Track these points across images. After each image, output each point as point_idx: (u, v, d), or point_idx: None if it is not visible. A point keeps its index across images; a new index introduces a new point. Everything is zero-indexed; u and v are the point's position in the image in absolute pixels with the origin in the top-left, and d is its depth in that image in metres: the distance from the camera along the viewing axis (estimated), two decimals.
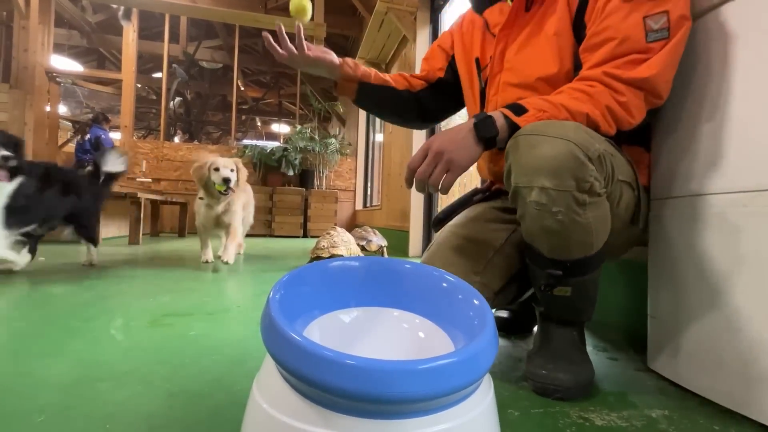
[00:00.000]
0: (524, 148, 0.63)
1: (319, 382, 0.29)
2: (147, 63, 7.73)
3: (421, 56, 3.11)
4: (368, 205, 5.66)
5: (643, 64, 0.66)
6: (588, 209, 0.63)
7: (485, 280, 0.80)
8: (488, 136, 0.67)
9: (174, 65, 6.32)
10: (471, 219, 0.90)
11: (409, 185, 0.70)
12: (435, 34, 3.11)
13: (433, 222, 1.01)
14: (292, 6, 0.94)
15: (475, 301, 0.40)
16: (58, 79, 4.74)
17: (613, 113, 0.67)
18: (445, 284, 0.44)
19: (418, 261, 0.65)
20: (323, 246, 2.18)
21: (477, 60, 0.91)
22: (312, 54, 0.90)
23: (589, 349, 0.95)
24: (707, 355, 0.69)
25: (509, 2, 0.85)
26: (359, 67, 0.97)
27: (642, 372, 0.83)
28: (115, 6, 4.74)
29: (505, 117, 0.68)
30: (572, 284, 0.70)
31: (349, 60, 0.96)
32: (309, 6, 0.94)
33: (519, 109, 0.68)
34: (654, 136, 0.84)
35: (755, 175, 0.62)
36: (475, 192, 0.99)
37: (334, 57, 0.94)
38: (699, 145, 0.72)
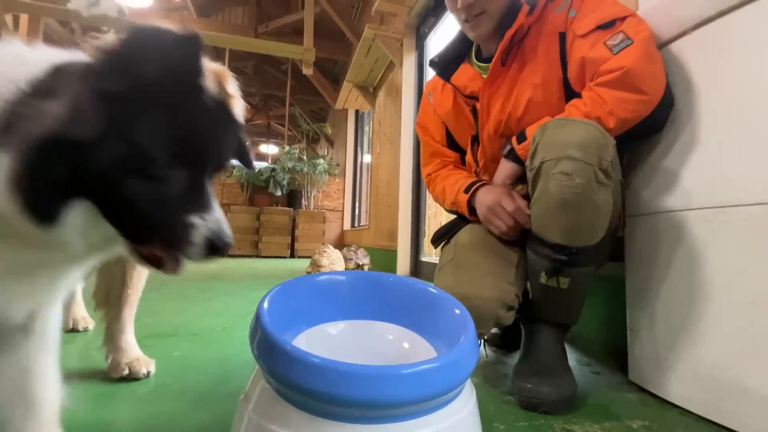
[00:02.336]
0: (553, 129, 0.73)
1: (307, 387, 0.30)
2: None
3: (408, 81, 3.21)
4: (356, 225, 5.67)
5: (616, 64, 0.74)
6: (601, 190, 0.70)
7: (517, 291, 0.80)
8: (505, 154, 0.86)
9: None
10: (482, 235, 0.89)
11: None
12: (421, 60, 3.22)
13: (433, 237, 1.03)
14: None
15: (456, 311, 0.42)
16: None
17: (600, 121, 0.74)
18: (428, 297, 0.46)
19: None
20: (324, 264, 2.21)
21: (474, 111, 0.97)
22: None
23: (573, 363, 0.96)
24: (683, 366, 0.71)
25: (474, 64, 0.97)
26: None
27: (624, 385, 0.85)
28: (106, 29, 4.78)
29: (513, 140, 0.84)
30: (572, 275, 0.74)
31: None
32: None
33: (520, 136, 0.82)
34: (628, 158, 0.90)
35: (717, 193, 0.67)
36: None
37: None
38: (667, 166, 0.76)
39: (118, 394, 0.72)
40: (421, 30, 3.19)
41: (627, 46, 0.74)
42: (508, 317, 0.78)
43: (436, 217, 3.48)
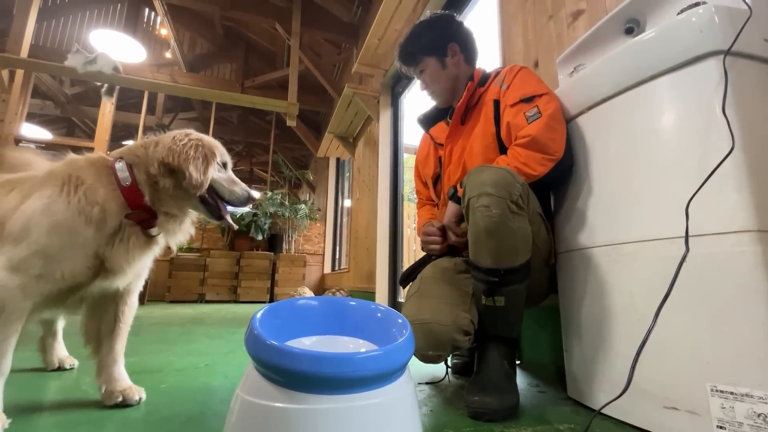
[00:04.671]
0: (475, 174, 0.92)
1: (289, 368, 0.43)
2: (119, 131, 7.91)
3: (384, 133, 3.50)
4: (336, 268, 5.74)
5: (527, 132, 1.00)
6: (515, 218, 0.87)
7: (471, 318, 0.94)
8: (449, 196, 1.11)
9: (147, 134, 6.53)
10: (442, 270, 1.08)
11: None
12: (396, 115, 3.55)
13: (401, 278, 1.20)
14: None
15: (399, 320, 0.56)
16: (23, 145, 4.78)
17: (518, 170, 0.97)
18: (379, 314, 0.60)
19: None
20: None
21: (440, 158, 1.30)
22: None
23: (523, 385, 1.10)
24: (602, 377, 0.86)
25: (448, 122, 1.29)
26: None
27: (563, 400, 0.98)
28: (99, 84, 5.01)
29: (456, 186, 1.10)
30: (505, 293, 0.90)
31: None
32: None
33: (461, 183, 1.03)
34: (554, 204, 1.10)
35: (612, 233, 0.86)
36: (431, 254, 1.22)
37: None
38: (578, 212, 0.96)
39: (112, 419, 0.80)
40: (395, 89, 3.54)
41: (537, 118, 1.00)
42: (465, 341, 0.90)
43: (413, 260, 3.64)
